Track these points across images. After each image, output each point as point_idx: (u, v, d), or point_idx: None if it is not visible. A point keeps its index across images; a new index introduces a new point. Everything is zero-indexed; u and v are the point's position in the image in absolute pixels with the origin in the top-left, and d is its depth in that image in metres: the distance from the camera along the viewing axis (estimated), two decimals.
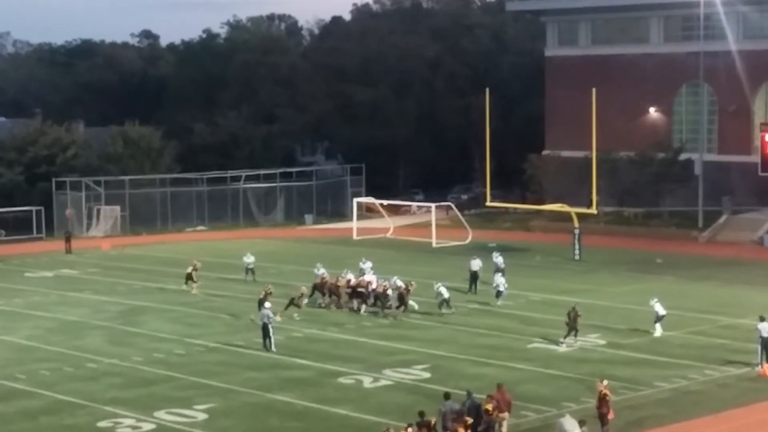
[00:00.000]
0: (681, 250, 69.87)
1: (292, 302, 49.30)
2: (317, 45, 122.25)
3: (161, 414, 34.31)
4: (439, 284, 50.29)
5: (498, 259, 56.84)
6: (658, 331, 45.14)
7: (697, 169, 77.59)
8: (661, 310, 45.40)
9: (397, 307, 49.44)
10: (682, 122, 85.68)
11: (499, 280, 52.37)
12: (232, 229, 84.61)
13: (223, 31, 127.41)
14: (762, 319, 39.85)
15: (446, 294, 49.50)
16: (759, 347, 39.32)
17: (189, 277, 56.05)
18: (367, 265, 55.16)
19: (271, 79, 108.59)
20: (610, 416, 31.48)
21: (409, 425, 28.76)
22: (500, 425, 30.68)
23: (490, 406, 30.18)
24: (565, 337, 43.32)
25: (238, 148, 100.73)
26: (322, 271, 53.31)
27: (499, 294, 51.83)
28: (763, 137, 72.32)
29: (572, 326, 43.16)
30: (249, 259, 59.74)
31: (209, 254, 69.75)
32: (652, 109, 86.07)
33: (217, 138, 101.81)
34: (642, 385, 37.15)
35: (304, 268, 59.31)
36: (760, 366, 38.87)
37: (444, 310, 49.14)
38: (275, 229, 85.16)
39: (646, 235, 75.34)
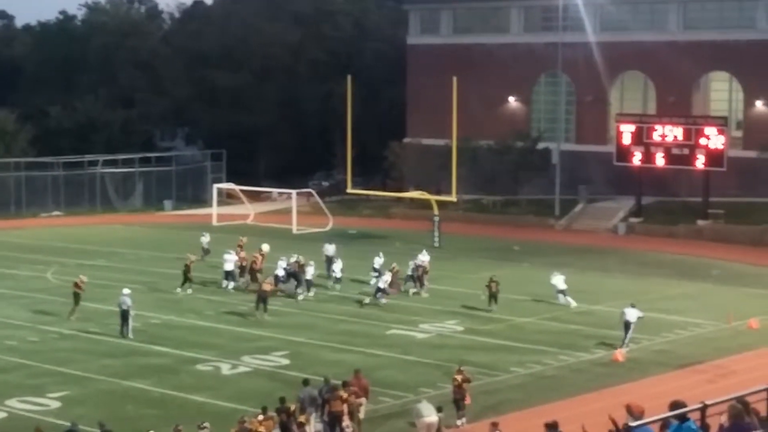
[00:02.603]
0: (538, 237, 70.93)
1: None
2: (178, 29, 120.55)
3: (13, 402, 33.59)
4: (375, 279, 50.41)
5: (329, 247, 56.58)
6: (572, 303, 47.92)
7: (555, 158, 78.85)
8: (561, 284, 48.18)
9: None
10: (540, 111, 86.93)
11: (336, 267, 52.78)
12: (89, 214, 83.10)
13: (80, 13, 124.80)
14: (632, 306, 41.30)
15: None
16: (624, 331, 40.55)
17: (187, 278, 50.91)
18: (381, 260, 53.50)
19: (130, 63, 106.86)
20: (467, 401, 31.86)
21: (263, 410, 28.60)
22: (357, 411, 30.76)
23: (344, 393, 30.24)
24: (489, 305, 46.85)
25: (95, 132, 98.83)
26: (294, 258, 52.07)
27: (337, 280, 52.48)
28: (618, 127, 73.74)
29: (494, 295, 46.72)
30: (206, 238, 59.89)
31: (66, 240, 68.55)
32: (511, 99, 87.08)
33: (74, 121, 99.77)
34: (498, 370, 37.66)
35: (162, 254, 58.57)
36: (621, 348, 39.88)
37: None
38: (134, 214, 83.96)
39: (504, 222, 76.29)
